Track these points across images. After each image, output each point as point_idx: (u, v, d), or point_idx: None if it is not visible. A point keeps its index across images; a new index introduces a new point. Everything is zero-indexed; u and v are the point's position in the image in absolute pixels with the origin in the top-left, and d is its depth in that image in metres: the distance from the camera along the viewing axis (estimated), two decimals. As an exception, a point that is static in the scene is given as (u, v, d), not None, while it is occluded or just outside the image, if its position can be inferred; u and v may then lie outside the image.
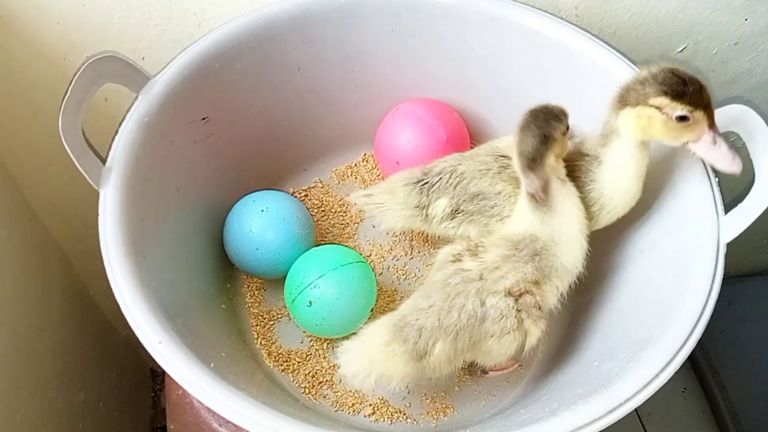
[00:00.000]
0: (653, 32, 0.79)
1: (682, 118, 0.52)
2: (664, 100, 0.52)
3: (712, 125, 0.53)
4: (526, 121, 0.55)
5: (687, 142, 0.54)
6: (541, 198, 0.56)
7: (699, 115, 0.52)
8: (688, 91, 0.52)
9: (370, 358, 0.54)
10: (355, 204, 0.70)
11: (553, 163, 0.55)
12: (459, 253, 0.58)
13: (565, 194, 0.57)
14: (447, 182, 0.65)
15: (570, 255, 0.57)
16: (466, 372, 0.68)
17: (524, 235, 0.57)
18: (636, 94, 0.54)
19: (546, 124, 0.54)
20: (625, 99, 0.55)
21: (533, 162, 0.54)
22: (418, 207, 0.66)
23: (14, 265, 0.74)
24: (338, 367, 0.56)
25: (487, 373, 0.67)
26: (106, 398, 0.96)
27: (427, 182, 0.66)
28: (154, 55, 0.74)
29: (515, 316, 0.55)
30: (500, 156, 0.64)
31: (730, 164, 0.53)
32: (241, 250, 0.69)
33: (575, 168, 0.61)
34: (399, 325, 0.55)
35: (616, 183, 0.58)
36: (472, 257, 0.58)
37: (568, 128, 0.56)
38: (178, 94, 0.62)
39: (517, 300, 0.55)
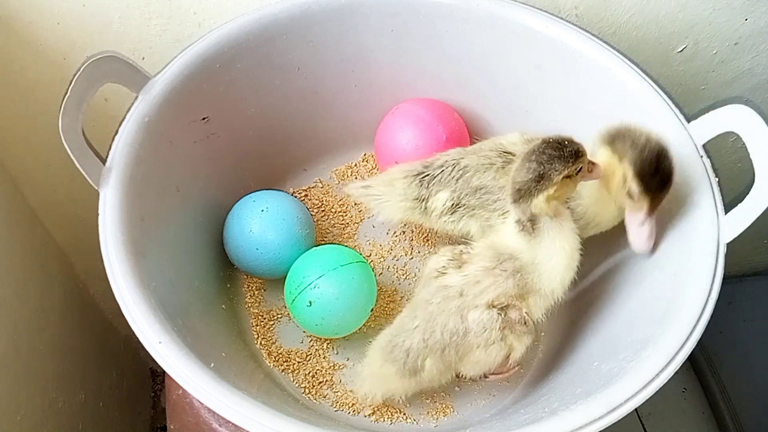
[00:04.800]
0: (653, 32, 0.79)
1: (629, 194, 0.56)
2: (629, 171, 0.55)
3: (650, 212, 0.57)
4: (533, 150, 0.52)
5: (625, 207, 0.58)
6: (527, 228, 0.55)
7: (644, 200, 0.56)
8: (652, 181, 0.54)
9: (371, 380, 0.59)
10: (352, 195, 0.70)
11: (543, 203, 0.52)
12: (444, 266, 0.58)
13: (556, 229, 0.55)
14: (449, 175, 0.65)
15: (547, 283, 0.56)
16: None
17: (507, 250, 0.57)
18: (621, 145, 0.56)
19: (549, 163, 0.51)
20: (611, 139, 0.56)
21: (519, 195, 0.53)
22: (417, 199, 0.66)
23: (14, 265, 0.74)
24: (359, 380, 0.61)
25: (488, 377, 0.67)
26: (106, 398, 0.96)
27: (428, 175, 0.66)
28: (154, 55, 0.74)
29: (498, 329, 0.55)
30: (504, 152, 0.64)
31: (640, 245, 0.58)
32: (241, 250, 0.69)
33: None
34: (388, 347, 0.58)
35: (598, 201, 0.60)
36: (457, 270, 0.58)
37: (580, 170, 0.53)
38: (178, 94, 0.62)
39: (502, 314, 0.55)
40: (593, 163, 0.55)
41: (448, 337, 0.56)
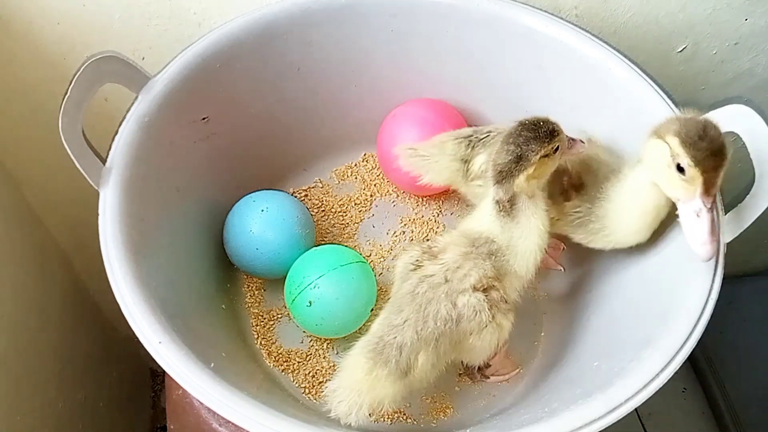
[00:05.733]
0: (653, 32, 0.79)
1: (680, 169, 0.51)
2: (674, 141, 0.51)
3: (706, 193, 0.50)
4: (510, 133, 0.54)
5: (678, 200, 0.52)
6: (506, 208, 0.56)
7: (695, 173, 0.50)
8: (699, 146, 0.49)
9: (357, 391, 0.53)
10: (399, 156, 0.69)
11: (523, 183, 0.54)
12: (418, 260, 0.58)
13: (531, 209, 0.56)
14: (492, 140, 0.65)
15: (522, 263, 0.57)
16: (467, 377, 0.68)
17: (482, 234, 0.58)
18: (665, 125, 0.53)
19: (526, 144, 0.53)
20: (656, 129, 0.54)
21: (501, 177, 0.54)
22: (463, 160, 0.66)
23: (14, 265, 0.74)
24: (330, 413, 0.54)
25: (488, 378, 0.67)
26: (106, 398, 0.96)
27: (475, 137, 0.66)
28: (154, 55, 0.74)
29: (488, 310, 0.55)
30: None
31: (700, 245, 0.50)
32: (241, 250, 0.69)
33: (590, 173, 0.61)
34: (377, 348, 0.54)
35: (621, 208, 0.58)
36: (432, 260, 0.57)
37: (557, 149, 0.55)
38: (178, 94, 0.62)
39: (485, 295, 0.55)
40: (573, 139, 0.57)
41: (442, 325, 0.54)
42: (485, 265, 0.56)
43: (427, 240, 0.69)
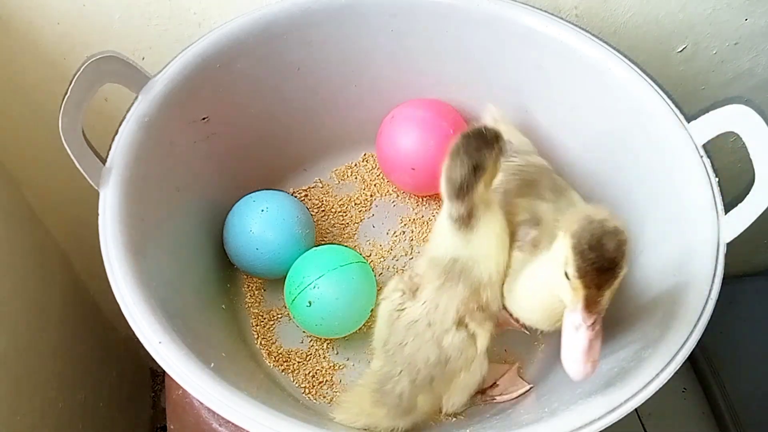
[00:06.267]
0: (653, 32, 0.79)
1: (566, 276, 0.45)
2: (567, 243, 0.45)
3: (586, 309, 0.44)
4: (457, 147, 0.53)
5: (566, 306, 0.47)
6: (466, 222, 0.55)
7: (578, 285, 0.44)
8: (587, 257, 0.43)
9: (359, 415, 0.57)
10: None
11: (482, 190, 0.54)
12: (401, 303, 0.59)
13: (488, 216, 0.56)
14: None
15: (486, 270, 0.57)
16: (478, 400, 0.67)
17: (447, 258, 0.57)
18: (571, 221, 0.46)
19: (478, 152, 0.53)
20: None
21: (461, 191, 0.53)
22: None
23: (14, 265, 0.74)
24: (334, 417, 0.58)
25: (496, 399, 0.66)
26: (106, 398, 0.96)
27: None
28: (154, 55, 0.74)
29: (470, 342, 0.56)
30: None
31: (570, 362, 0.45)
32: (241, 250, 0.69)
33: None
34: (379, 392, 0.57)
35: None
36: (413, 300, 0.58)
37: (501, 151, 0.54)
38: (178, 94, 0.62)
39: (467, 331, 0.56)
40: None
41: (433, 369, 0.56)
42: (459, 290, 0.56)
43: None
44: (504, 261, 0.58)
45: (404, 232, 0.78)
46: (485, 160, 0.53)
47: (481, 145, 0.53)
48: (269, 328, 0.71)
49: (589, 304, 0.44)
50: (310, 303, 0.64)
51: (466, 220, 0.55)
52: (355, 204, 0.80)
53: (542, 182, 0.62)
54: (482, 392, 0.66)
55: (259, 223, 0.68)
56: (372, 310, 0.67)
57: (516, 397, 0.66)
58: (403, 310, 0.59)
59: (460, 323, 0.56)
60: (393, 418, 0.57)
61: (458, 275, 0.57)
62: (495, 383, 0.66)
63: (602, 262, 0.43)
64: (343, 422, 0.57)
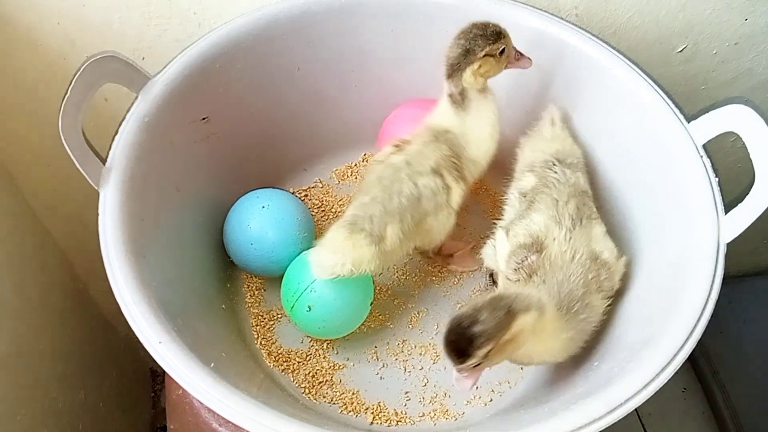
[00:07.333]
0: (653, 32, 0.79)
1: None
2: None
3: (455, 367, 0.52)
4: (462, 31, 0.61)
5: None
6: (458, 101, 0.63)
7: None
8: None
9: (340, 252, 0.60)
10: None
11: (470, 77, 0.61)
12: (387, 154, 0.65)
13: (482, 103, 0.64)
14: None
15: (476, 150, 0.65)
16: (427, 258, 0.74)
17: (442, 126, 0.65)
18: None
19: (474, 40, 0.60)
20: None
21: (452, 70, 0.62)
22: None
23: (14, 266, 0.74)
24: (312, 266, 0.62)
25: (449, 265, 0.74)
26: (106, 398, 0.96)
27: None
28: (154, 55, 0.74)
29: (443, 190, 0.63)
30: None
31: (459, 387, 0.52)
32: (236, 244, 0.69)
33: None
34: (352, 222, 0.61)
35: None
36: (399, 153, 0.64)
37: (502, 51, 0.61)
38: (178, 94, 0.62)
39: (443, 181, 0.63)
40: (521, 53, 0.63)
41: (405, 202, 0.62)
42: (443, 147, 0.64)
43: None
44: (492, 148, 0.66)
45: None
46: (477, 48, 0.60)
47: (478, 35, 0.60)
48: (269, 328, 0.71)
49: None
50: (309, 307, 0.64)
51: (458, 99, 0.64)
52: (355, 204, 0.79)
53: (568, 206, 0.62)
54: (441, 256, 0.74)
55: (258, 219, 0.68)
56: (371, 303, 0.67)
57: (466, 271, 0.74)
58: (386, 160, 0.65)
59: (437, 172, 0.63)
60: (369, 244, 0.60)
61: (445, 141, 0.64)
62: (452, 255, 0.75)
63: (449, 344, 0.50)
64: (336, 265, 0.60)
